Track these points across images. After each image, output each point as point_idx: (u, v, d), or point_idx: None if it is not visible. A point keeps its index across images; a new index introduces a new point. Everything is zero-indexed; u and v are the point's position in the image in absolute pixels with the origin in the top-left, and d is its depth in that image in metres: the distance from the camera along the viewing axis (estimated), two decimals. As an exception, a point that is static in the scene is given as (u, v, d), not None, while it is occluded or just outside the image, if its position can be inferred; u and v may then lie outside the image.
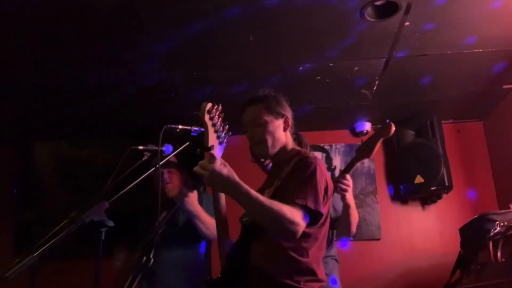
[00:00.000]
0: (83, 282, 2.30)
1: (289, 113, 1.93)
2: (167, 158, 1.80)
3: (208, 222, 2.50)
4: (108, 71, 2.95)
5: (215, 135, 1.53)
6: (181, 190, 2.45)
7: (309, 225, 1.63)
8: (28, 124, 3.71)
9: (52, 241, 1.45)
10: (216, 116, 1.51)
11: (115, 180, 1.73)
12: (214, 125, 1.51)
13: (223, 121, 1.55)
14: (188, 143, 1.69)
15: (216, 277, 1.81)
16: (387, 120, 2.18)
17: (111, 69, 2.93)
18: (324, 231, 1.77)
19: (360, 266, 3.69)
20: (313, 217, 1.65)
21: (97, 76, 3.00)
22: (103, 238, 1.55)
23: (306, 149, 1.91)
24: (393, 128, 2.17)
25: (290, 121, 1.91)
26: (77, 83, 3.06)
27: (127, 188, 1.71)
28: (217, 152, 1.55)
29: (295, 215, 1.56)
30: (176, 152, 1.79)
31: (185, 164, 2.80)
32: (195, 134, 1.74)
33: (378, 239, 3.82)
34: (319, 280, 1.71)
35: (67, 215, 1.60)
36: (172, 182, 2.71)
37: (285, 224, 1.55)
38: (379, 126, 3.90)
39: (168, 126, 1.64)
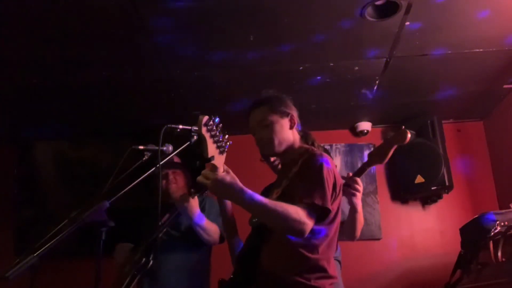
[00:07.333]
0: (83, 282, 2.29)
1: (294, 111, 1.95)
2: (167, 158, 1.79)
3: (208, 229, 2.47)
4: (108, 71, 2.95)
5: (214, 145, 1.54)
6: (182, 196, 2.40)
7: (318, 222, 1.64)
8: (28, 124, 3.71)
9: (52, 241, 1.44)
10: (214, 128, 1.52)
11: (115, 180, 1.73)
12: (212, 136, 1.52)
13: (222, 130, 1.56)
14: (188, 143, 1.69)
15: (228, 279, 1.82)
16: (403, 127, 2.14)
17: (111, 69, 2.93)
18: (334, 228, 1.76)
19: (360, 266, 3.69)
20: (321, 214, 1.65)
21: (97, 76, 3.00)
22: (103, 238, 1.54)
23: (314, 146, 1.91)
24: (409, 135, 2.11)
25: (296, 119, 1.92)
26: (77, 82, 3.06)
27: (128, 188, 1.71)
28: (218, 161, 1.56)
29: (301, 214, 1.57)
30: (176, 152, 1.79)
31: (188, 166, 2.81)
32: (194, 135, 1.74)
33: (379, 239, 3.82)
34: (329, 277, 1.71)
35: (67, 215, 1.60)
36: (176, 182, 2.71)
37: (291, 224, 1.56)
38: (385, 126, 3.92)
39: (169, 126, 1.63)
